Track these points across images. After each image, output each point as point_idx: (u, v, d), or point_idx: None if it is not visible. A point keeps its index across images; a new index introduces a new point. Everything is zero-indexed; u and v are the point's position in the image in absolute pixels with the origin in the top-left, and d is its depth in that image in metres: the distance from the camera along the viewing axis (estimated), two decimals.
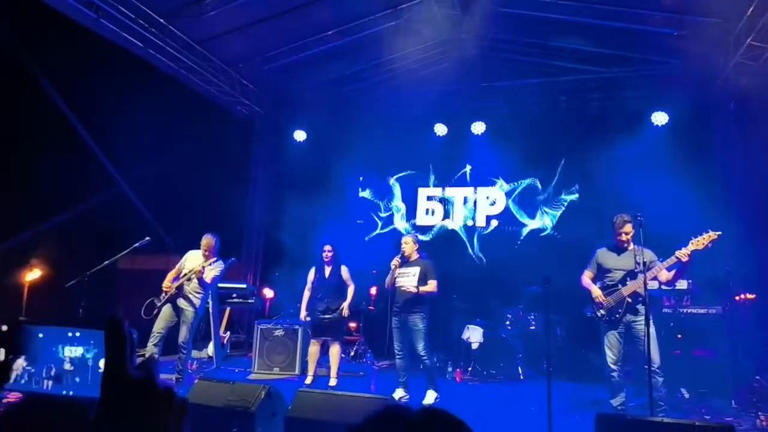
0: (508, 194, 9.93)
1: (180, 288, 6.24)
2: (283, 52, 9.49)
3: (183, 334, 6.19)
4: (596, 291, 5.22)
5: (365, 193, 10.84)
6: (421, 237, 9.81)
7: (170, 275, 6.37)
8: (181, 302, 6.24)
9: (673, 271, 4.92)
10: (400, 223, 10.51)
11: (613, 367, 5.14)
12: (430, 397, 6.03)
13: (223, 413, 4.22)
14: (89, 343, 0.92)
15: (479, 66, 9.67)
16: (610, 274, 5.23)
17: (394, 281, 6.09)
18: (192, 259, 6.43)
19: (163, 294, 6.23)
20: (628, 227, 5.15)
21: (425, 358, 5.90)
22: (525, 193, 9.86)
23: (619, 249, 5.25)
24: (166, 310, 6.21)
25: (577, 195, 9.44)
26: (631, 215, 5.17)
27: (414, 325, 5.89)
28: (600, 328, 5.28)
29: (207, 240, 6.41)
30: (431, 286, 5.94)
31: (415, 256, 6.17)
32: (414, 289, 5.84)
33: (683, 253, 4.72)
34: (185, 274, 6.27)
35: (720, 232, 4.71)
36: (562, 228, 9.49)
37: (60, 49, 7.55)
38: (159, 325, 6.15)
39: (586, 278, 5.40)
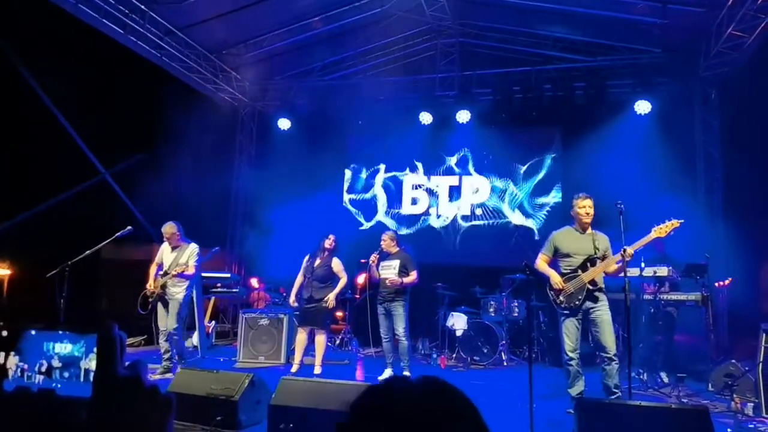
0: (493, 190, 10.02)
1: (164, 285, 6.40)
2: (267, 39, 9.40)
3: (171, 322, 6.35)
4: (556, 277, 4.99)
5: (349, 176, 10.82)
6: (405, 231, 9.94)
7: (151, 272, 6.49)
8: (167, 294, 6.41)
9: (619, 265, 4.77)
10: (382, 212, 10.51)
11: (570, 354, 4.93)
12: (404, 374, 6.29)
13: (206, 402, 4.22)
14: (79, 341, 0.93)
15: (464, 54, 9.67)
16: (568, 258, 4.99)
17: (379, 274, 6.57)
18: (166, 251, 6.54)
19: (150, 292, 6.40)
20: (585, 203, 4.95)
21: (403, 338, 6.47)
22: (509, 190, 9.97)
23: (578, 231, 5.03)
24: (160, 308, 6.45)
25: (560, 197, 9.54)
26: (587, 196, 4.99)
27: (395, 311, 6.46)
28: (557, 314, 5.08)
29: (168, 228, 6.48)
30: (412, 276, 6.45)
31: (394, 249, 6.63)
32: (398, 282, 6.37)
33: (628, 253, 4.60)
34: (165, 272, 6.37)
35: (682, 220, 4.61)
36: (547, 219, 9.59)
37: (38, 36, 7.40)
38: (161, 322, 6.45)
39: (542, 262, 5.14)
